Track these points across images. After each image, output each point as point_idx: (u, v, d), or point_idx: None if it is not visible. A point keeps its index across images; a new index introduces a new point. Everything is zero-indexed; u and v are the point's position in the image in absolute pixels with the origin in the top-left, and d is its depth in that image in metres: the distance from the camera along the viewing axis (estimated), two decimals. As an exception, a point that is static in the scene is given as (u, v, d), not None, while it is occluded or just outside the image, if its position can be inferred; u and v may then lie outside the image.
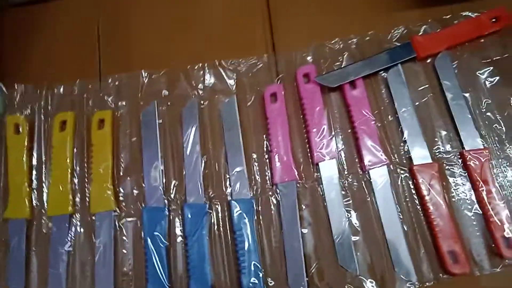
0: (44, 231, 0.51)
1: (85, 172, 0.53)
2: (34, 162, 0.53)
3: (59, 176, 0.52)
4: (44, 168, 0.53)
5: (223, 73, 0.56)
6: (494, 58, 0.53)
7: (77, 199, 0.52)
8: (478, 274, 0.46)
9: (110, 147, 0.53)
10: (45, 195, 0.52)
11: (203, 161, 0.52)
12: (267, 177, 0.51)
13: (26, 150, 0.53)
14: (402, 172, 0.50)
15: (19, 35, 0.61)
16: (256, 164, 0.52)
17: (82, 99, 0.56)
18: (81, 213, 0.51)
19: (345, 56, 0.55)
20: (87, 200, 0.52)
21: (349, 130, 0.52)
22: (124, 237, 0.50)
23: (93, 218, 0.51)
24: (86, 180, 0.52)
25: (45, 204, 0.52)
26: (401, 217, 0.49)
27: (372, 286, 0.47)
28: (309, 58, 0.55)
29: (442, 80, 0.53)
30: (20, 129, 0.54)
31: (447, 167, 0.50)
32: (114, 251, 0.49)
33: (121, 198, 0.52)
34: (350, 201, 0.49)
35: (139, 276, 0.49)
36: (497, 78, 0.52)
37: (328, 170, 0.51)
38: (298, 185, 0.51)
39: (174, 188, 0.51)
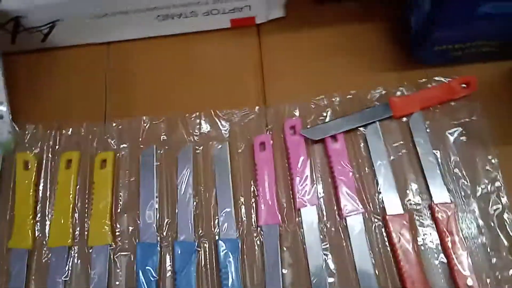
0: (43, 261, 0.55)
1: (85, 208, 0.57)
2: (40, 196, 0.58)
3: (61, 211, 0.56)
4: (48, 202, 0.57)
5: (218, 122, 0.61)
6: (462, 120, 0.58)
7: (77, 233, 0.56)
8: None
9: (110, 186, 0.57)
10: (47, 227, 0.56)
11: (194, 202, 0.56)
12: (253, 219, 0.56)
13: (33, 185, 0.57)
14: (376, 220, 0.54)
15: (32, 79, 0.66)
16: (243, 206, 0.56)
17: (88, 140, 0.60)
18: (79, 245, 0.55)
19: (328, 112, 0.60)
20: (86, 234, 0.56)
21: (329, 180, 0.57)
22: (118, 270, 0.54)
23: (90, 251, 0.54)
24: (86, 215, 0.56)
25: (47, 235, 0.56)
26: (373, 261, 0.52)
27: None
28: (296, 112, 0.60)
29: (415, 137, 0.58)
30: (29, 166, 0.58)
31: (416, 218, 0.54)
32: (107, 282, 0.53)
33: (117, 233, 0.55)
34: (328, 245, 0.53)
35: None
36: (465, 138, 0.58)
37: (309, 216, 0.55)
38: (280, 228, 0.55)
39: (167, 226, 0.55)
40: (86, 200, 0.57)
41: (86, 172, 0.59)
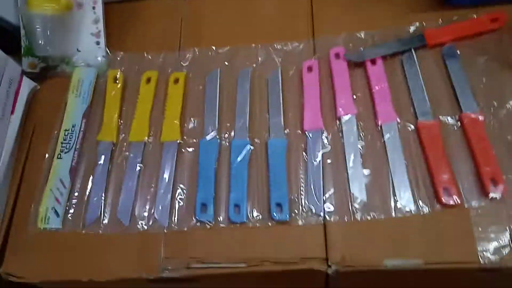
0: (124, 154, 0.65)
1: (160, 113, 0.68)
2: (124, 104, 0.70)
3: (141, 114, 0.67)
4: (130, 109, 0.69)
5: (272, 52, 0.71)
6: (492, 50, 0.65)
7: (152, 132, 0.67)
8: (467, 206, 0.55)
9: (181, 97, 0.68)
10: (129, 127, 0.67)
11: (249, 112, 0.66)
12: (299, 126, 0.64)
13: (120, 95, 0.69)
14: (409, 128, 0.61)
15: (123, 18, 0.79)
16: (291, 115, 0.65)
17: (164, 65, 0.72)
18: (154, 141, 0.66)
19: (369, 44, 0.69)
20: (159, 132, 0.66)
21: (369, 97, 0.65)
22: (183, 162, 0.64)
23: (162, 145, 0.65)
24: (161, 118, 0.67)
25: (129, 133, 0.67)
26: (406, 162, 0.59)
27: (375, 213, 0.57)
28: (340, 43, 0.70)
29: (448, 62, 0.65)
30: (117, 80, 0.71)
31: (447, 127, 0.61)
32: (175, 172, 0.63)
33: (185, 132, 0.66)
34: (364, 144, 0.61)
35: (192, 187, 0.62)
36: (494, 63, 0.64)
37: (348, 123, 0.63)
38: (323, 133, 0.63)
39: (226, 129, 0.65)
40: (161, 107, 0.69)
41: (162, 88, 0.70)
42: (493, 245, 0.53)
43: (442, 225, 0.55)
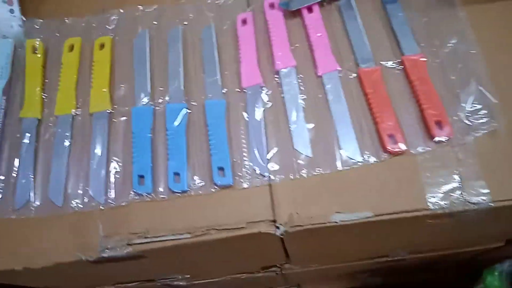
0: (51, 130, 0.60)
1: (87, 82, 0.63)
2: (47, 75, 0.64)
3: (66, 84, 0.62)
4: (54, 80, 0.63)
5: (204, 8, 0.66)
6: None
7: (79, 103, 0.61)
8: (413, 152, 0.54)
9: (108, 62, 0.63)
10: (54, 101, 0.62)
11: (184, 74, 0.61)
12: (237, 84, 0.60)
13: (41, 66, 0.64)
14: (350, 76, 0.59)
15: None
16: (228, 73, 0.61)
17: (88, 30, 0.67)
18: (82, 112, 0.61)
19: (305, -9, 0.65)
20: (87, 103, 0.61)
21: (307, 46, 0.61)
22: (116, 132, 0.59)
23: (91, 117, 0.60)
24: (88, 87, 0.62)
25: (54, 106, 0.61)
26: (349, 112, 0.57)
27: (320, 169, 0.54)
28: (275, -8, 0.66)
29: (387, 5, 0.62)
30: (37, 50, 0.65)
31: (388, 72, 0.58)
32: (108, 144, 0.58)
33: (115, 101, 0.61)
34: (305, 97, 0.58)
35: (127, 159, 0.57)
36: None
37: (288, 76, 0.59)
38: (262, 89, 0.59)
39: (159, 93, 0.61)
40: (88, 76, 0.63)
41: (87, 55, 0.65)
42: (442, 190, 0.51)
43: (390, 174, 0.53)
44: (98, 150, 0.58)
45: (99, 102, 0.61)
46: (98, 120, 0.60)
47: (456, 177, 0.52)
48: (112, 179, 0.56)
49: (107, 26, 0.67)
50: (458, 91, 0.56)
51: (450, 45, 0.58)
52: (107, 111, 0.60)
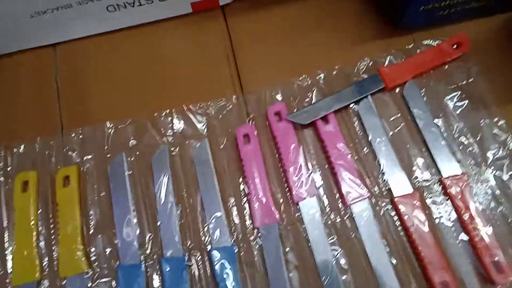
0: (10, 303, 0.46)
1: (51, 234, 0.49)
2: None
3: (23, 240, 0.48)
4: (6, 233, 0.49)
5: (192, 118, 0.54)
6: (459, 83, 0.54)
7: (45, 264, 0.48)
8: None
9: (77, 205, 0.49)
10: (8, 263, 0.48)
11: (178, 211, 0.49)
12: (247, 222, 0.49)
13: (-15, 215, 0.49)
14: (383, 204, 0.49)
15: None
16: (235, 208, 0.50)
17: (45, 157, 0.52)
18: (50, 278, 0.47)
19: (314, 91, 0.54)
20: (56, 264, 0.47)
21: (326, 166, 0.51)
22: (100, 300, 0.46)
23: (63, 283, 0.47)
24: (53, 243, 0.48)
25: (9, 273, 0.47)
26: (388, 250, 0.47)
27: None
28: (278, 96, 0.54)
29: (412, 108, 0.53)
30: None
31: (428, 196, 0.49)
32: (89, 316, 0.45)
33: (93, 258, 0.48)
34: (335, 238, 0.48)
35: None
36: (466, 102, 0.53)
37: (309, 209, 0.49)
38: (280, 227, 0.49)
39: (150, 242, 0.48)
40: (51, 225, 0.49)
41: (47, 193, 0.51)
42: None
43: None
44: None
45: (71, 262, 0.47)
46: (73, 287, 0.46)
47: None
48: None
49: (69, 153, 0.52)
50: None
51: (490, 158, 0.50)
52: (84, 273, 0.47)
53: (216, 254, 0.47)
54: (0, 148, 0.53)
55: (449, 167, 0.50)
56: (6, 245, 0.49)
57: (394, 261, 0.47)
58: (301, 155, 0.51)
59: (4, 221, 0.50)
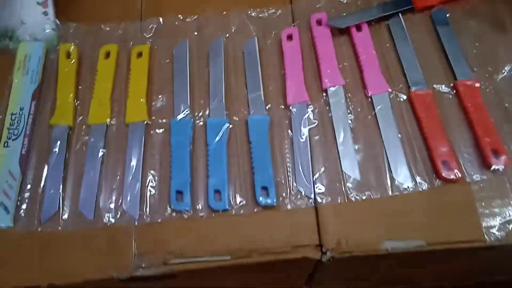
0: (83, 138, 0.57)
1: (123, 91, 0.60)
2: (81, 82, 0.61)
3: (101, 92, 0.59)
4: (88, 87, 0.60)
5: (247, 20, 0.64)
6: (484, 10, 0.61)
7: (115, 112, 0.58)
8: (468, 180, 0.51)
9: (146, 72, 0.60)
10: (87, 109, 0.59)
11: (225, 86, 0.59)
12: (281, 100, 0.58)
13: (74, 72, 0.61)
14: (401, 98, 0.56)
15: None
16: (272, 89, 0.59)
17: (125, 37, 0.64)
18: (117, 123, 0.58)
19: (352, 9, 0.63)
20: (123, 112, 0.58)
21: (355, 65, 0.59)
22: (153, 145, 0.56)
23: (127, 128, 0.57)
24: (124, 97, 0.59)
25: (87, 115, 0.58)
26: (400, 135, 0.54)
27: (370, 192, 0.52)
28: (320, 8, 0.64)
29: (438, 27, 0.60)
30: (71, 55, 0.62)
31: (441, 95, 0.56)
32: (143, 157, 0.55)
33: (153, 112, 0.58)
34: (354, 118, 0.56)
35: (164, 173, 0.54)
36: (487, 26, 0.60)
37: (336, 95, 0.57)
38: (308, 107, 0.57)
39: (200, 106, 0.58)
40: (124, 85, 0.60)
41: (123, 63, 0.62)
42: (498, 221, 0.49)
43: (443, 201, 0.51)
44: (133, 163, 0.54)
45: (135, 112, 0.58)
46: (134, 131, 0.57)
47: (512, 207, 0.50)
48: (148, 194, 0.53)
49: (145, 35, 0.64)
50: (513, 119, 0.54)
51: (505, 71, 0.56)
52: (144, 122, 0.57)
53: (252, 119, 0.56)
54: (91, 26, 0.65)
55: (464, 73, 0.56)
56: (87, 96, 0.60)
57: (403, 143, 0.54)
58: (334, 54, 0.59)
59: (87, 79, 0.61)
